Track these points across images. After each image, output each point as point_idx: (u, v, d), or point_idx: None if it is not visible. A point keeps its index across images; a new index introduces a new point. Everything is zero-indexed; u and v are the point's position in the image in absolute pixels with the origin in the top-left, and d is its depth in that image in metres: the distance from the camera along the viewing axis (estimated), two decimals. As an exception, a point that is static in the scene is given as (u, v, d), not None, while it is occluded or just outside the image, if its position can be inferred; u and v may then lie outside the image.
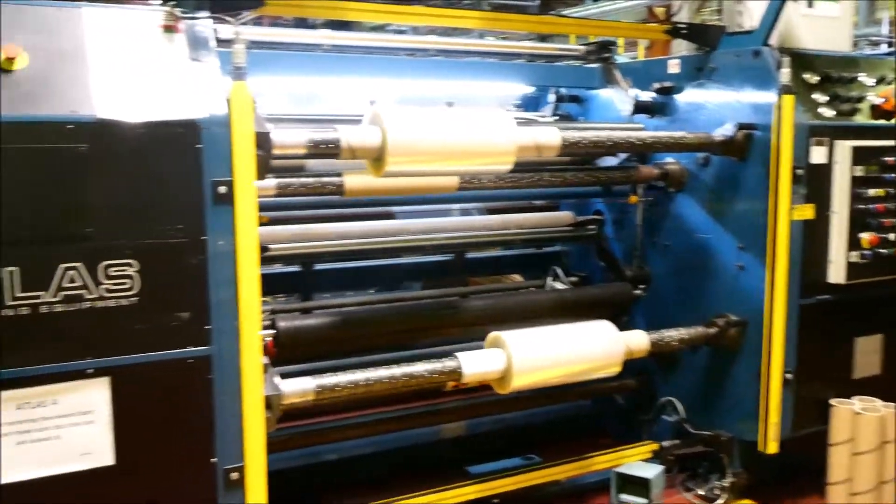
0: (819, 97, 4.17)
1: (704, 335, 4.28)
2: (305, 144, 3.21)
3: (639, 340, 4.12)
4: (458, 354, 3.71)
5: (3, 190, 2.54)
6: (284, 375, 3.41)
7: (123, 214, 2.70)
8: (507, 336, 3.73)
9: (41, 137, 2.58)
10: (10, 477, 2.61)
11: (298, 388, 3.33)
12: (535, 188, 4.69)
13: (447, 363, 3.66)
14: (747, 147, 4.12)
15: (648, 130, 4.61)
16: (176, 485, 2.88)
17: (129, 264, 2.71)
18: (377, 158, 3.33)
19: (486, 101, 5.32)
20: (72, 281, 2.64)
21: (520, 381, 3.69)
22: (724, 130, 4.16)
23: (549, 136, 3.77)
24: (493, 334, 3.81)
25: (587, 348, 3.87)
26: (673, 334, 4.24)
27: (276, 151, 3.12)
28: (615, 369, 3.96)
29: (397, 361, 4.04)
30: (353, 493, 4.06)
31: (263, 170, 2.98)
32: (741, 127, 4.10)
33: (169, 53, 2.88)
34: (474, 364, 3.68)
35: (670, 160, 4.51)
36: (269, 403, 3.04)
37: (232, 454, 2.91)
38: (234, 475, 2.91)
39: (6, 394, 2.59)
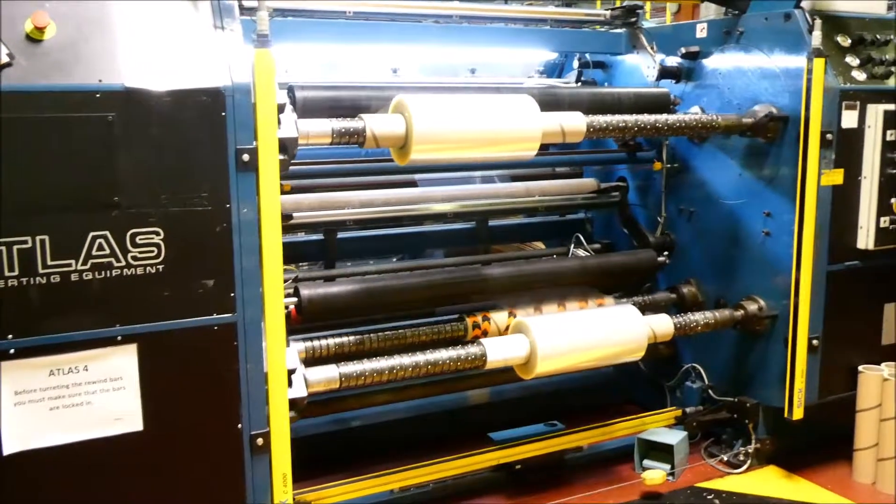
0: (852, 60, 4.09)
1: (731, 319, 4.25)
2: (330, 134, 3.23)
3: (663, 325, 4.11)
4: (483, 341, 3.75)
5: (33, 158, 2.56)
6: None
7: (150, 182, 2.72)
8: (532, 323, 3.74)
9: (70, 106, 2.59)
10: (43, 442, 2.66)
11: (323, 377, 3.42)
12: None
13: (472, 349, 3.69)
14: (777, 132, 4.07)
15: (674, 95, 4.58)
16: (203, 450, 2.92)
17: (155, 232, 2.74)
18: (402, 147, 3.34)
19: (509, 67, 5.29)
20: (100, 249, 2.66)
21: (544, 368, 3.72)
22: (754, 115, 4.09)
23: (574, 121, 3.74)
24: (517, 320, 3.82)
25: (611, 335, 3.88)
26: (699, 318, 4.22)
27: (300, 141, 3.13)
28: (639, 354, 3.96)
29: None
30: (377, 459, 4.10)
31: (285, 171, 2.98)
32: (772, 119, 4.04)
33: (194, 21, 2.86)
34: (499, 351, 3.71)
35: (695, 110, 4.46)
36: (294, 404, 3.10)
37: (257, 420, 2.94)
38: (260, 441, 2.94)
39: (38, 360, 2.63)
